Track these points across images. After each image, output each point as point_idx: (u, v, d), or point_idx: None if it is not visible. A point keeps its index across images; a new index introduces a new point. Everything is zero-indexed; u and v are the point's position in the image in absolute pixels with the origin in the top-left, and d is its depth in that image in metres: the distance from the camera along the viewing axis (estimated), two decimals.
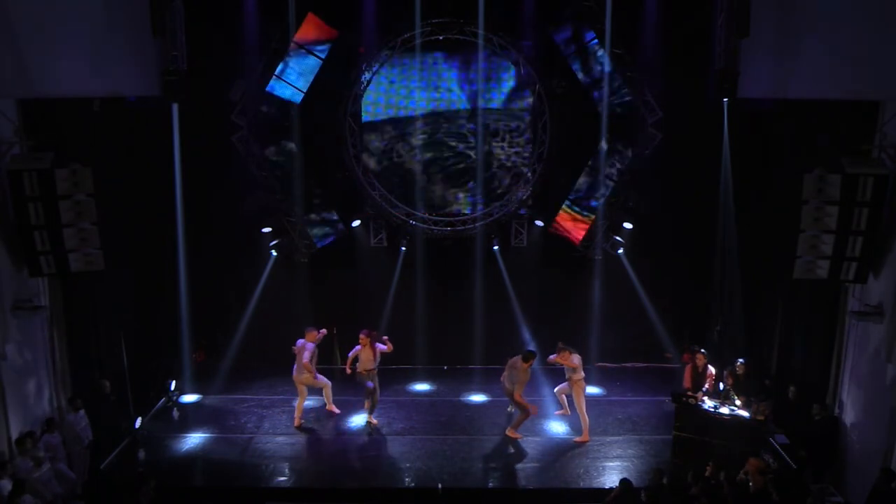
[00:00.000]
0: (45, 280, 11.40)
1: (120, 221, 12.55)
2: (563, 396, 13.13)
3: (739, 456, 10.71)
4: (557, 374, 13.47)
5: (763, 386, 13.13)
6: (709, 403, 11.95)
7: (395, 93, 14.74)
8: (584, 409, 12.55)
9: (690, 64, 13.08)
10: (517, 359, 12.44)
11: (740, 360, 12.54)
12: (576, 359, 12.53)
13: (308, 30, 13.98)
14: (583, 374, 12.54)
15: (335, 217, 15.32)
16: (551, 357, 12.77)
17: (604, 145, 14.56)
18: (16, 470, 9.97)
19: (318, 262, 15.27)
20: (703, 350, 12.76)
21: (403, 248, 15.16)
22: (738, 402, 11.84)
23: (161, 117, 12.78)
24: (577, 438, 12.53)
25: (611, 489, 10.51)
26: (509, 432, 12.68)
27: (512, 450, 12.40)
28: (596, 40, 14.01)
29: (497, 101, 14.78)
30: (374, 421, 13.09)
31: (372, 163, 15.03)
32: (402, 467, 11.90)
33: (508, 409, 13.47)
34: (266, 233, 14.92)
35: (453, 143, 15.04)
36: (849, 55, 10.20)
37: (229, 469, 11.90)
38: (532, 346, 13.74)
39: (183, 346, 14.63)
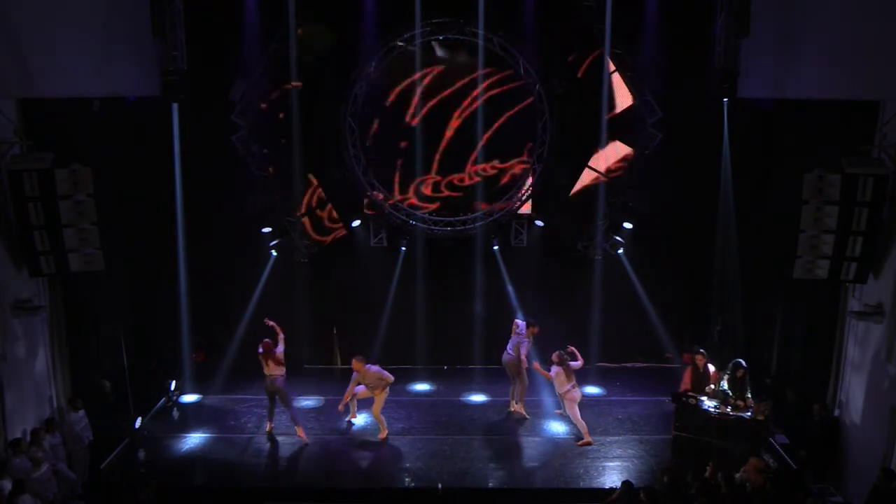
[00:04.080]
0: (45, 280, 11.41)
1: (120, 221, 12.55)
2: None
3: (739, 456, 10.70)
4: None
5: (763, 386, 13.13)
6: (709, 403, 11.94)
7: None
8: (579, 417, 12.54)
9: (690, 64, 13.09)
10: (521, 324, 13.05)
11: (736, 361, 12.52)
12: (552, 371, 12.51)
13: None
14: (568, 386, 12.46)
15: None
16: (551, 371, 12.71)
17: (604, 145, 14.57)
18: (14, 470, 9.96)
19: (318, 262, 15.26)
20: (702, 350, 12.76)
21: (403, 248, 15.15)
22: (738, 404, 11.82)
23: (161, 117, 12.79)
24: (580, 442, 12.53)
25: (611, 489, 10.52)
26: (517, 408, 13.00)
27: (512, 450, 12.41)
28: None
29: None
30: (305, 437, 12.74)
31: None
32: (402, 467, 11.89)
33: (510, 410, 13.61)
34: (266, 233, 14.91)
35: None
36: (848, 55, 10.21)
37: (229, 469, 11.90)
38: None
39: (183, 346, 14.63)
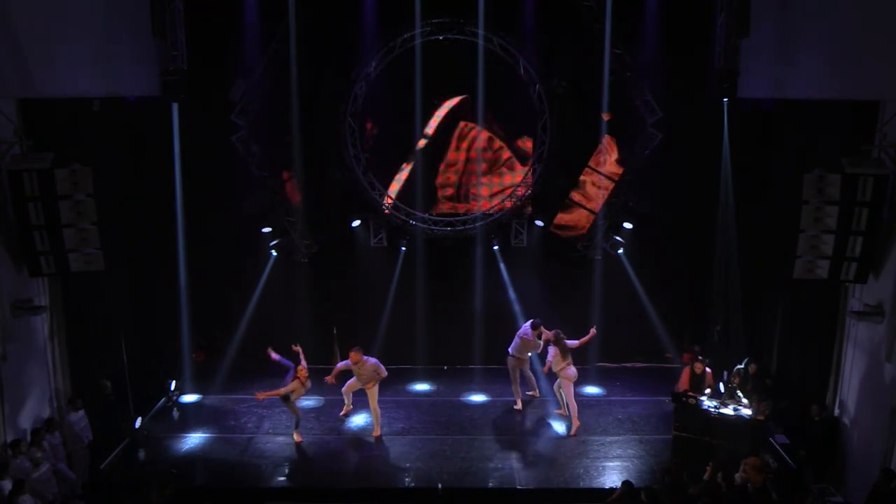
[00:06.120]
0: (45, 280, 11.41)
1: (120, 221, 12.55)
2: (561, 394, 13.14)
3: (739, 456, 10.71)
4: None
5: (763, 386, 13.13)
6: (709, 403, 11.94)
7: None
8: (573, 398, 12.73)
9: (690, 64, 13.10)
10: (527, 329, 13.15)
11: (747, 359, 12.54)
12: (549, 353, 12.81)
13: None
14: (563, 364, 12.64)
15: None
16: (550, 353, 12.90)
17: (603, 144, 14.57)
18: (14, 470, 9.96)
19: (318, 262, 15.25)
20: (700, 356, 12.77)
21: (403, 248, 15.15)
22: (745, 401, 11.81)
23: (161, 117, 12.80)
24: (571, 432, 12.59)
25: (611, 489, 10.52)
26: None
27: (512, 450, 12.41)
28: None
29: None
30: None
31: None
32: (402, 467, 11.89)
33: (515, 407, 13.66)
34: (266, 233, 14.91)
35: None
36: (848, 55, 10.22)
37: (229, 469, 11.90)
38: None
39: (183, 346, 14.63)
